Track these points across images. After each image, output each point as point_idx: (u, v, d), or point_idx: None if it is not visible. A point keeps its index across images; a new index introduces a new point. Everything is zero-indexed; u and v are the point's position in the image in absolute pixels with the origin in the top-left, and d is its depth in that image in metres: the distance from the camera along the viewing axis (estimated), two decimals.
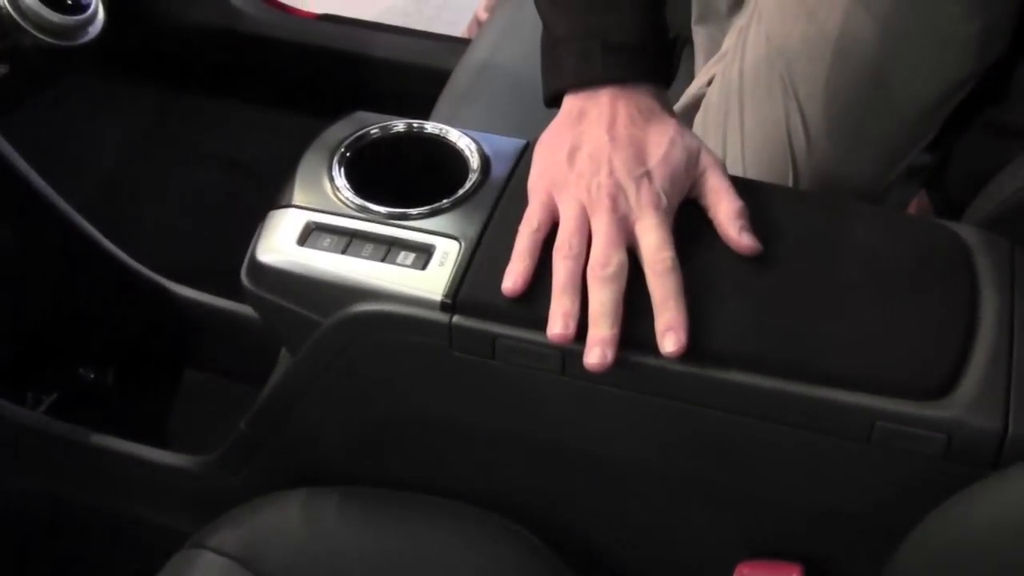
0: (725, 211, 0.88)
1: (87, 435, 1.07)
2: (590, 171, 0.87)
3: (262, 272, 0.89)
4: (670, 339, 0.81)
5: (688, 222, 0.88)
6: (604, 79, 0.91)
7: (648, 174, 0.87)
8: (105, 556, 1.17)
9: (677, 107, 1.21)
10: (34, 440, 1.09)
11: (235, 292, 1.27)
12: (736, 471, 0.86)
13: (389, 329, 0.85)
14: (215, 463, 1.03)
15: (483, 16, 1.75)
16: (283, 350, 1.02)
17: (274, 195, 0.92)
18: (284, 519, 0.93)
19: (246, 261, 0.90)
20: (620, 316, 0.82)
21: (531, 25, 1.30)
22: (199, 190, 1.68)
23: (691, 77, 1.29)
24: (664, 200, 0.86)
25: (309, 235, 0.88)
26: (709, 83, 1.20)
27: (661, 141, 0.89)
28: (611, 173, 0.87)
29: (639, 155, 0.88)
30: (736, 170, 1.10)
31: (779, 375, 0.80)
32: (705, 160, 0.91)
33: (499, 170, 0.92)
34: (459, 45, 1.61)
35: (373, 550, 0.91)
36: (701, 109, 1.19)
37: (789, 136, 1.08)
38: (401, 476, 0.96)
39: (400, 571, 0.92)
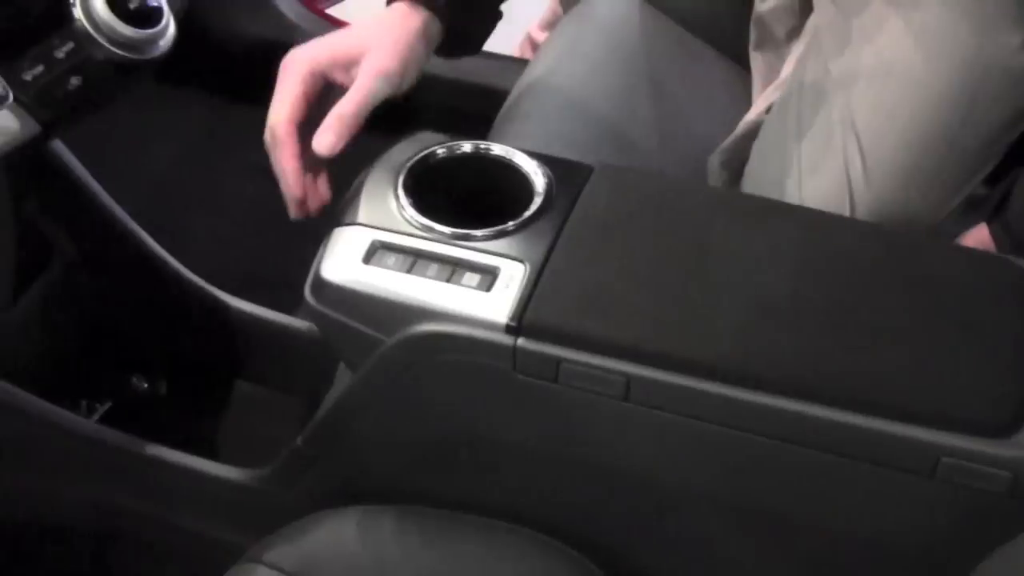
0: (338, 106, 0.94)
1: (142, 445, 1.08)
2: None
3: (326, 289, 0.89)
4: None
5: (755, 251, 0.88)
6: None
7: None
8: (152, 567, 1.17)
9: (735, 133, 1.21)
10: (88, 448, 1.09)
11: (283, 303, 1.29)
12: (797, 502, 0.85)
13: (453, 350, 0.85)
14: (269, 477, 1.03)
15: (536, 35, 1.75)
16: (340, 367, 1.03)
17: (338, 212, 0.93)
18: (340, 536, 0.93)
19: (310, 277, 0.90)
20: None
21: (592, 47, 1.31)
22: (249, 201, 1.67)
23: (750, 103, 1.29)
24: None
25: (374, 253, 0.89)
26: (767, 110, 1.20)
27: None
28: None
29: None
30: (793, 198, 1.10)
31: (844, 407, 0.80)
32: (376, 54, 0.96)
33: (564, 193, 0.92)
34: (512, 64, 1.61)
35: (429, 571, 0.91)
36: (759, 137, 1.19)
37: (847, 166, 1.08)
38: (456, 497, 0.95)
39: None
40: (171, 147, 1.72)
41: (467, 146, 0.96)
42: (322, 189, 0.98)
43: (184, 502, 1.10)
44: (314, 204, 0.97)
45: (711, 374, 0.81)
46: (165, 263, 1.22)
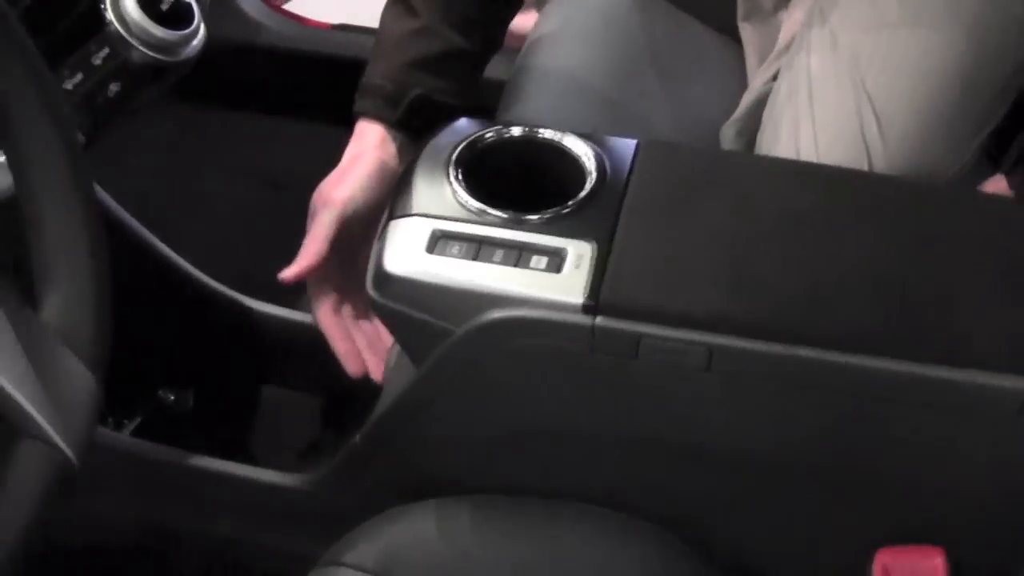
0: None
1: (186, 456, 1.05)
2: None
3: (391, 282, 0.88)
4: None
5: (815, 214, 0.88)
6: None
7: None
8: None
9: (745, 102, 1.22)
10: (129, 464, 1.06)
11: (284, 303, 1.26)
12: (882, 458, 0.86)
13: (527, 334, 0.85)
14: (324, 480, 1.02)
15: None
16: (389, 363, 1.01)
17: (391, 204, 0.92)
18: (420, 530, 0.92)
19: (372, 271, 0.89)
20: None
21: (585, 26, 1.30)
22: (233, 204, 1.65)
23: (744, 73, 1.30)
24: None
25: (436, 243, 0.88)
26: (774, 78, 1.21)
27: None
28: None
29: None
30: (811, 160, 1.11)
31: (926, 360, 0.81)
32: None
33: (615, 172, 0.92)
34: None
35: (514, 559, 0.91)
36: (768, 104, 1.19)
37: (862, 127, 1.08)
38: (528, 483, 0.95)
39: None
40: (146, 157, 1.68)
41: (516, 130, 0.95)
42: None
43: (234, 512, 1.08)
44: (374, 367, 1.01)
45: (793, 338, 0.81)
46: (184, 270, 1.19)
